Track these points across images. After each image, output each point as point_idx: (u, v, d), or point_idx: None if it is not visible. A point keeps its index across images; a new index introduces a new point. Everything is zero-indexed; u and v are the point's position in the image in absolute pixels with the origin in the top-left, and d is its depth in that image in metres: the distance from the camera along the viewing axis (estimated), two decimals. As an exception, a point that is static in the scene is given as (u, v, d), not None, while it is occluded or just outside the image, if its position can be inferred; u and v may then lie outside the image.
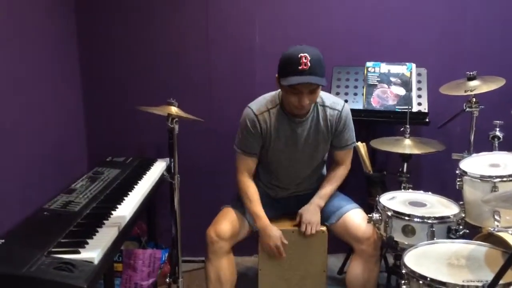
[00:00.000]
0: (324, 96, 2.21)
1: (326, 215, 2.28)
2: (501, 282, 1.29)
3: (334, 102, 2.21)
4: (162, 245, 2.88)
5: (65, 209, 1.95)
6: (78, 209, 1.96)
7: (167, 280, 2.10)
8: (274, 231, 2.19)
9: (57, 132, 2.57)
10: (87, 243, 1.66)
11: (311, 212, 2.24)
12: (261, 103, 2.20)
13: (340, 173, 2.31)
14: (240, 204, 2.29)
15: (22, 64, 2.19)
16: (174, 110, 1.87)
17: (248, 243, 2.34)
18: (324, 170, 2.42)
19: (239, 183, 2.26)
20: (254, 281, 2.36)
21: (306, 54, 1.95)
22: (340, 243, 2.30)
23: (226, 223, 2.21)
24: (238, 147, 2.24)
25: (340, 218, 2.24)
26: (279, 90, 2.16)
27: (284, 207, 2.38)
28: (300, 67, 1.94)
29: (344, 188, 2.41)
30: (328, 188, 2.29)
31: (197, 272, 2.93)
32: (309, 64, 1.94)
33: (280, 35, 2.88)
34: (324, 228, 2.26)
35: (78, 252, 1.60)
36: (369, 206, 2.51)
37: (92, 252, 1.60)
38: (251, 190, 2.24)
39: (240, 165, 2.26)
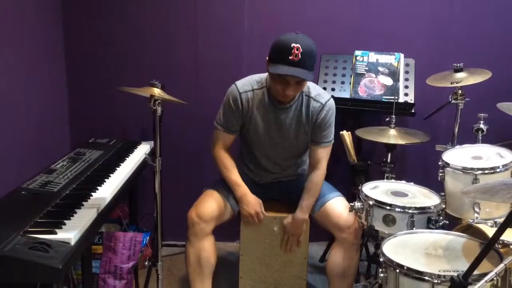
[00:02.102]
0: (312, 87, 2.19)
1: (309, 202, 2.28)
2: (476, 272, 1.29)
3: (319, 95, 2.19)
4: (143, 228, 2.87)
5: (44, 189, 1.92)
6: (57, 190, 1.93)
7: (146, 263, 2.09)
8: (254, 199, 2.21)
9: (39, 113, 2.53)
10: (64, 224, 1.64)
11: (294, 226, 2.24)
12: (247, 82, 2.20)
13: (317, 180, 2.23)
14: (222, 187, 2.28)
15: (3, 45, 2.14)
16: (156, 91, 1.85)
17: (231, 228, 2.34)
18: (307, 159, 2.39)
19: (215, 155, 2.26)
20: (236, 267, 2.36)
21: (298, 45, 1.93)
22: (322, 231, 2.31)
23: (208, 205, 2.21)
24: (218, 123, 2.24)
25: (322, 207, 2.24)
26: (267, 73, 2.14)
27: (267, 193, 2.38)
28: (290, 57, 1.93)
29: (328, 177, 2.40)
30: (308, 201, 2.23)
31: (178, 256, 2.92)
32: (299, 56, 1.93)
33: (269, 22, 2.86)
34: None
35: (55, 233, 1.57)
36: (353, 195, 2.51)
37: (69, 233, 1.57)
38: (228, 160, 2.25)
39: (217, 139, 2.26)
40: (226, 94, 2.21)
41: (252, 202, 2.22)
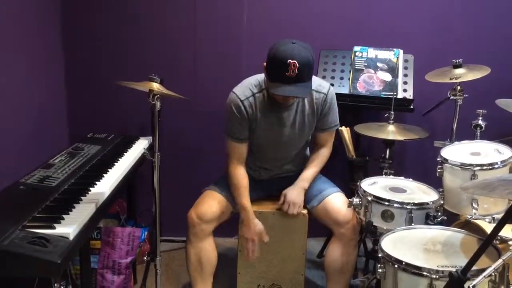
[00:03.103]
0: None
1: (308, 198, 2.28)
2: (474, 267, 1.30)
3: (320, 85, 2.19)
4: (142, 223, 2.87)
5: (42, 183, 1.92)
6: (55, 184, 1.92)
7: (145, 258, 2.09)
8: (256, 226, 2.18)
9: (37, 108, 2.52)
10: (63, 219, 1.64)
11: (295, 193, 2.24)
12: (246, 87, 2.16)
13: (323, 155, 2.30)
14: (223, 186, 2.27)
15: (1, 39, 2.12)
16: (155, 86, 1.84)
17: (230, 224, 2.34)
18: (308, 151, 2.41)
19: (231, 173, 2.20)
20: (234, 262, 2.36)
21: (295, 61, 1.90)
22: (321, 226, 2.31)
23: (208, 205, 2.20)
24: (227, 134, 2.19)
25: (321, 202, 2.24)
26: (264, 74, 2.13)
27: (266, 189, 2.38)
28: (287, 73, 1.91)
29: (326, 173, 2.41)
30: (312, 170, 2.28)
31: (177, 251, 2.93)
32: (296, 72, 1.91)
33: (269, 17, 2.85)
34: (305, 211, 2.27)
35: (53, 227, 1.57)
36: (351, 190, 2.52)
37: (68, 228, 1.57)
38: (241, 180, 2.19)
39: (231, 152, 2.21)
40: (227, 103, 2.16)
41: (254, 229, 2.17)
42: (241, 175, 2.20)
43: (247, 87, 2.16)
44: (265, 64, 2.02)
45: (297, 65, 1.91)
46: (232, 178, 2.20)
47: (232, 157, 2.21)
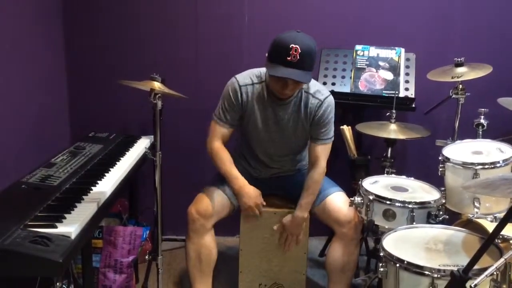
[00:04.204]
0: (312, 83, 2.17)
1: (309, 197, 2.27)
2: (476, 267, 1.29)
3: (318, 91, 2.18)
4: (143, 222, 2.87)
5: (44, 183, 1.91)
6: (57, 184, 1.92)
7: (147, 257, 2.09)
8: (252, 190, 2.20)
9: (39, 107, 2.52)
10: (65, 218, 1.64)
11: (294, 224, 2.22)
12: (247, 75, 2.19)
13: (315, 179, 2.19)
14: (221, 182, 2.27)
15: (2, 37, 2.12)
16: (157, 85, 1.84)
17: (231, 223, 2.34)
18: (306, 153, 2.39)
19: (211, 148, 2.21)
20: (235, 261, 2.36)
21: (297, 46, 1.91)
22: (322, 226, 2.31)
23: (208, 201, 2.20)
24: (216, 115, 2.21)
25: (322, 201, 2.24)
26: None
27: (266, 187, 2.37)
28: (288, 58, 1.91)
29: (328, 172, 2.40)
30: (308, 198, 2.21)
31: (178, 250, 2.93)
32: (298, 57, 1.91)
33: (270, 15, 2.84)
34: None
35: (55, 227, 1.57)
36: (352, 190, 2.51)
37: (70, 227, 1.57)
38: (224, 153, 2.21)
39: (215, 132, 2.21)
40: (226, 86, 2.20)
41: (251, 194, 2.19)
42: (223, 150, 2.21)
43: (248, 76, 2.18)
44: (267, 54, 2.02)
45: (299, 50, 1.91)
46: (215, 152, 2.20)
47: (214, 136, 2.21)
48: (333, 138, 2.22)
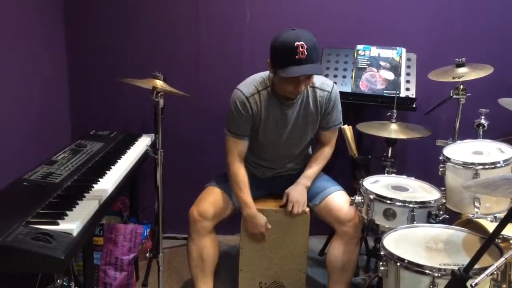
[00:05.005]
0: (314, 77, 2.18)
1: (310, 196, 2.28)
2: (476, 266, 1.30)
3: (324, 83, 2.19)
4: (144, 220, 2.88)
5: (45, 180, 1.92)
6: (58, 181, 1.93)
7: (147, 255, 2.09)
8: (260, 220, 2.19)
9: (40, 105, 2.53)
10: (67, 215, 1.64)
11: (298, 192, 2.24)
12: (250, 85, 2.15)
13: (326, 152, 2.31)
14: (224, 182, 2.28)
15: (3, 35, 2.13)
16: (159, 83, 1.85)
17: (231, 222, 2.34)
18: (310, 150, 2.41)
19: (229, 168, 2.20)
20: (236, 260, 2.37)
21: (302, 43, 1.91)
22: (323, 224, 2.32)
23: (209, 202, 2.21)
24: (229, 130, 2.19)
25: (323, 200, 2.25)
26: (268, 72, 2.13)
27: (268, 187, 2.38)
28: (297, 57, 1.91)
29: (329, 171, 2.41)
30: (314, 168, 2.29)
31: (179, 248, 2.93)
32: (306, 53, 1.91)
33: (271, 14, 2.85)
34: (307, 209, 2.27)
35: (57, 224, 1.58)
36: (353, 189, 2.51)
37: (71, 224, 1.58)
38: (242, 176, 2.19)
39: (231, 148, 2.20)
40: (232, 100, 2.15)
41: (258, 223, 2.19)
42: (241, 172, 2.20)
43: (252, 84, 2.16)
44: (269, 60, 2.02)
45: (305, 46, 1.91)
46: (233, 175, 2.20)
47: (231, 153, 2.20)
48: (342, 122, 2.31)
